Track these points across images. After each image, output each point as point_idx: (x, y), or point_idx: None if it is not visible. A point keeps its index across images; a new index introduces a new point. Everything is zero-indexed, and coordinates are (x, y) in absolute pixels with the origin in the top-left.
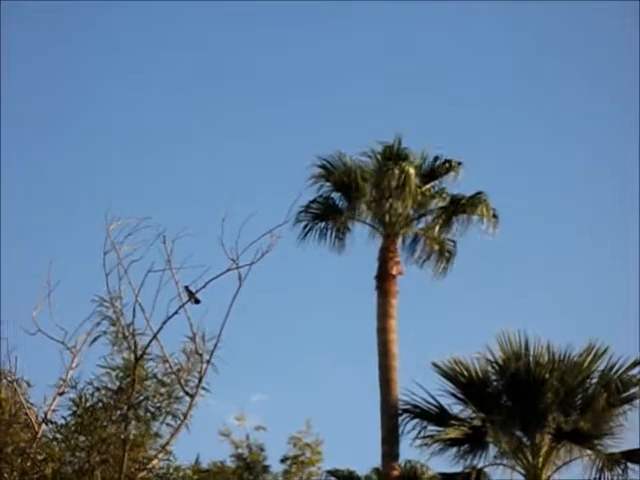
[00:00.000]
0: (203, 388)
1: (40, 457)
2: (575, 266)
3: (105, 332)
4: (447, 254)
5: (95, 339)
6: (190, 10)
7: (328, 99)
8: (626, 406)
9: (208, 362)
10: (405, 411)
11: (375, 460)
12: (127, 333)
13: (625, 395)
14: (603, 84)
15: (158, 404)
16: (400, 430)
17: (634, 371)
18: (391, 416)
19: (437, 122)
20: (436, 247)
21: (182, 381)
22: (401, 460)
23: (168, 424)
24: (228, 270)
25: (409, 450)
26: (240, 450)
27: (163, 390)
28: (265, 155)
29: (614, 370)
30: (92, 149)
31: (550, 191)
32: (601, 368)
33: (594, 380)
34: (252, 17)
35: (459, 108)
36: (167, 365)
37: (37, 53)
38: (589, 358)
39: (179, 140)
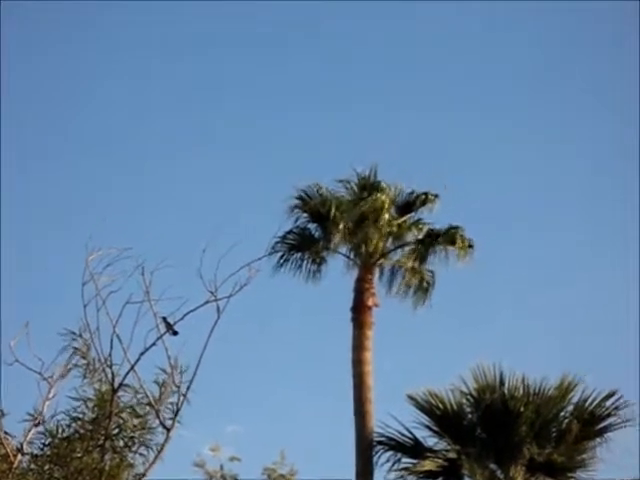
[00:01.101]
0: (178, 422)
1: None
2: (552, 297)
3: (76, 365)
4: (426, 284)
5: (68, 371)
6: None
7: (303, 129)
8: (599, 438)
9: (185, 395)
10: (380, 443)
11: None
12: (98, 365)
13: (599, 427)
14: (593, 104)
15: (131, 434)
16: (375, 462)
17: (608, 403)
18: (366, 448)
19: (414, 151)
20: (415, 279)
21: (160, 415)
22: None
23: (141, 454)
24: (207, 302)
25: None
26: None
27: (136, 421)
28: (245, 186)
29: (588, 402)
30: (71, 177)
31: (527, 219)
32: (575, 400)
33: (568, 412)
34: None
35: (437, 137)
36: (141, 396)
37: (36, 54)
38: (563, 391)
39: (160, 171)
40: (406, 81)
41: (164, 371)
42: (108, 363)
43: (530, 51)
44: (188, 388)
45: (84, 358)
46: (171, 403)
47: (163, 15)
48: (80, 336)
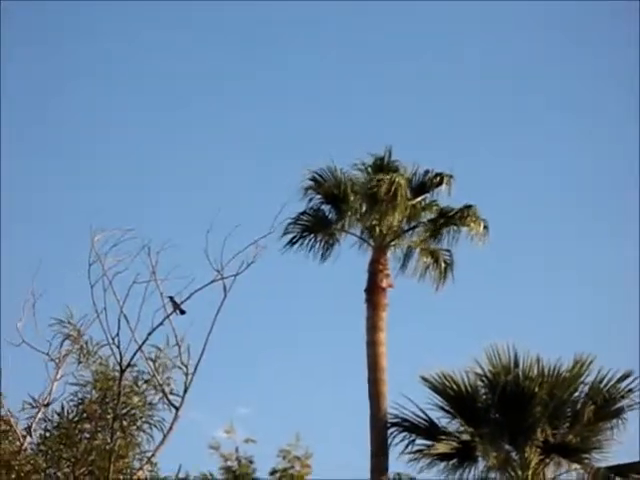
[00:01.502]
0: (174, 399)
1: (25, 469)
2: (566, 278)
3: (70, 350)
4: (444, 264)
5: (66, 356)
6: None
7: (318, 110)
8: (614, 420)
9: (193, 374)
10: (394, 424)
11: (364, 473)
12: (91, 347)
13: (614, 408)
14: (600, 92)
15: (140, 415)
16: (389, 443)
17: (623, 384)
18: (380, 429)
19: (429, 134)
20: (431, 259)
21: (166, 392)
22: (390, 473)
23: (144, 431)
24: (213, 281)
25: (398, 463)
26: (229, 463)
27: (137, 399)
28: (253, 166)
29: (603, 383)
30: (77, 159)
31: (542, 203)
32: (590, 381)
33: (583, 393)
34: (247, 28)
35: (451, 119)
36: (137, 374)
37: (36, 54)
38: (577, 371)
39: (164, 150)
40: (419, 62)
41: (158, 348)
42: (115, 343)
43: (523, 52)
44: (196, 367)
45: (76, 343)
46: (169, 378)
47: (163, 14)
48: (69, 322)
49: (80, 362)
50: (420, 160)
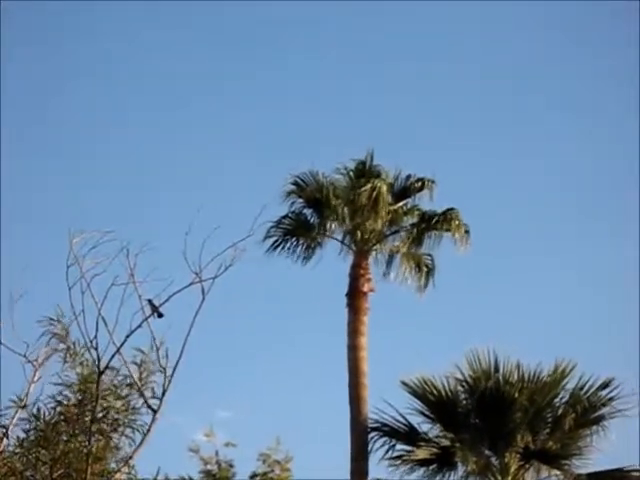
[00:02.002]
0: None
1: (2, 471)
2: (546, 283)
3: (56, 350)
4: (426, 268)
5: (49, 356)
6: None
7: (301, 115)
8: (594, 427)
9: (171, 376)
10: (374, 429)
11: (344, 477)
12: (78, 348)
13: (594, 416)
14: (600, 92)
15: (116, 416)
16: (369, 448)
17: (604, 392)
18: (360, 434)
19: (410, 139)
20: (412, 263)
21: (143, 394)
22: (370, 478)
23: (127, 436)
24: (191, 284)
25: (378, 468)
26: (209, 467)
27: (119, 403)
28: (234, 169)
29: (583, 390)
30: (56, 161)
31: (522, 207)
32: (571, 388)
33: (563, 400)
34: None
35: (432, 125)
36: (122, 377)
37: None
38: (558, 377)
39: (145, 152)
40: (401, 66)
41: (142, 351)
42: (93, 345)
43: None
44: (174, 370)
45: (63, 343)
46: (152, 381)
47: (163, 14)
48: (58, 321)
49: (66, 362)
50: (404, 163)
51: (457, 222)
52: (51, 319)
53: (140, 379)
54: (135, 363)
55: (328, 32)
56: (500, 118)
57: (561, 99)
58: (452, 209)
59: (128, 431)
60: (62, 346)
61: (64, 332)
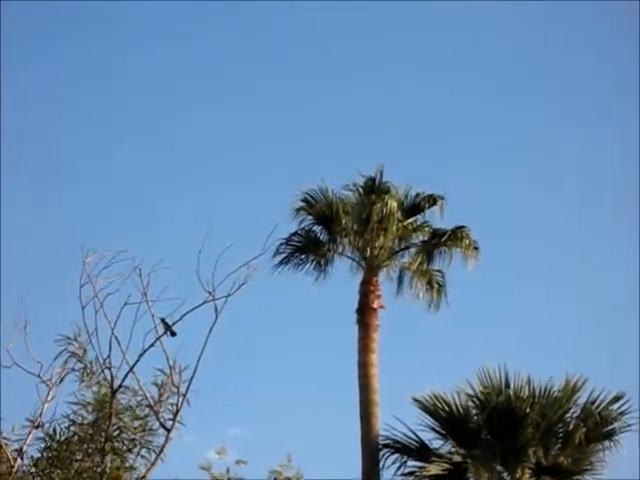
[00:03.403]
0: (179, 422)
1: None
2: (556, 299)
3: (73, 369)
4: (437, 285)
5: (65, 375)
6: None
7: (310, 131)
8: (606, 441)
9: (184, 395)
10: (385, 446)
11: None
12: (101, 365)
13: (605, 430)
14: (602, 106)
15: (132, 436)
16: (381, 465)
17: (614, 406)
18: (372, 451)
19: (419, 155)
20: (423, 280)
21: (160, 416)
22: None
23: (143, 456)
24: (204, 302)
25: None
26: None
27: (137, 423)
28: (246, 188)
29: (595, 405)
30: (69, 180)
31: (531, 224)
32: (582, 402)
33: (575, 415)
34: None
35: (442, 141)
36: (141, 398)
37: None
38: (569, 392)
39: (156, 171)
40: (410, 82)
41: (163, 372)
42: (107, 365)
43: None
44: (187, 388)
45: (80, 362)
46: (171, 404)
47: (161, 15)
48: (75, 340)
49: (83, 381)
50: (414, 179)
51: (467, 240)
52: (68, 338)
53: (160, 400)
54: (155, 384)
55: (337, 46)
56: (511, 134)
57: (561, 115)
58: (462, 227)
59: (144, 451)
60: (79, 365)
61: (81, 351)
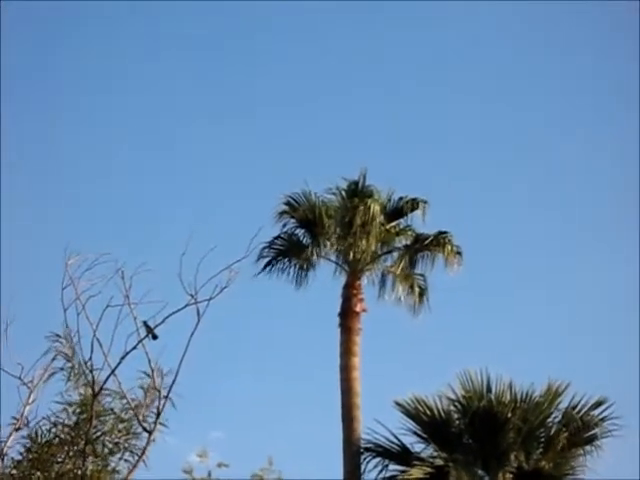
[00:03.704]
0: (161, 424)
1: None
2: (538, 304)
3: (62, 368)
4: (419, 289)
5: (51, 375)
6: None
7: (293, 135)
8: (588, 446)
9: (166, 398)
10: (367, 449)
11: None
12: (84, 368)
13: (587, 435)
14: (593, 107)
15: (116, 440)
16: (362, 468)
17: (596, 411)
18: (353, 454)
19: (402, 159)
20: (405, 284)
21: (140, 417)
22: None
23: (126, 460)
24: (187, 305)
25: None
26: None
27: (121, 426)
28: (227, 190)
29: (576, 410)
30: (50, 182)
31: (514, 229)
32: (563, 407)
33: (556, 419)
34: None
35: (424, 145)
36: (125, 401)
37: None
38: (551, 397)
39: (139, 174)
40: (392, 87)
41: (147, 374)
42: (89, 367)
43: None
44: (169, 391)
45: (69, 361)
46: (155, 407)
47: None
48: (65, 339)
49: (69, 380)
50: (397, 183)
51: (450, 246)
52: (58, 335)
53: (145, 403)
54: (142, 387)
55: (321, 52)
56: (494, 138)
57: (559, 114)
58: (445, 232)
59: (127, 455)
60: (67, 365)
61: (70, 350)
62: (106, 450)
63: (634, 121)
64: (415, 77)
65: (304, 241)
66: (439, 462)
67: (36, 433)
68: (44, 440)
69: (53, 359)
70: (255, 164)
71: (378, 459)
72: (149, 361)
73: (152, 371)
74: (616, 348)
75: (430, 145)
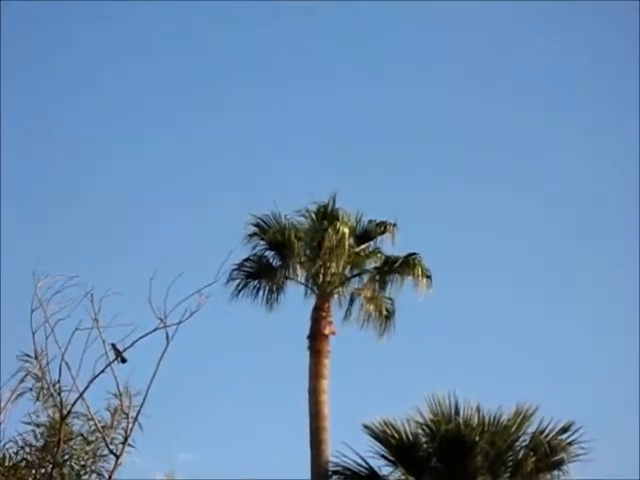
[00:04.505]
0: (129, 445)
1: None
2: (506, 327)
3: (30, 389)
4: (386, 312)
5: (20, 395)
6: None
7: (263, 158)
8: (555, 471)
9: (134, 421)
10: (335, 472)
11: None
12: (52, 390)
13: (554, 459)
14: (593, 107)
15: (83, 462)
16: None
17: (564, 435)
18: (322, 477)
19: (372, 182)
20: (374, 307)
21: (107, 439)
22: None
23: None
24: (156, 329)
25: None
26: None
27: (88, 448)
28: (197, 213)
29: (544, 434)
30: (21, 206)
31: (483, 251)
32: (531, 431)
33: (524, 443)
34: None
35: (394, 168)
36: (92, 423)
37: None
38: (519, 421)
39: (109, 199)
40: (364, 110)
41: (116, 395)
42: (57, 390)
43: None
44: (137, 414)
45: (39, 382)
46: (122, 429)
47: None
48: (36, 359)
49: (38, 400)
50: (366, 206)
51: (419, 268)
52: (28, 355)
53: (111, 425)
54: (108, 410)
55: (297, 70)
56: (510, 134)
57: (569, 113)
58: (414, 254)
59: (94, 477)
60: (37, 385)
61: (41, 372)
62: (73, 473)
63: (634, 121)
64: (385, 96)
65: (274, 263)
66: None
67: (3, 455)
68: (11, 463)
69: (21, 381)
70: (224, 186)
71: None
72: (117, 384)
73: (120, 394)
74: (585, 370)
75: (401, 166)
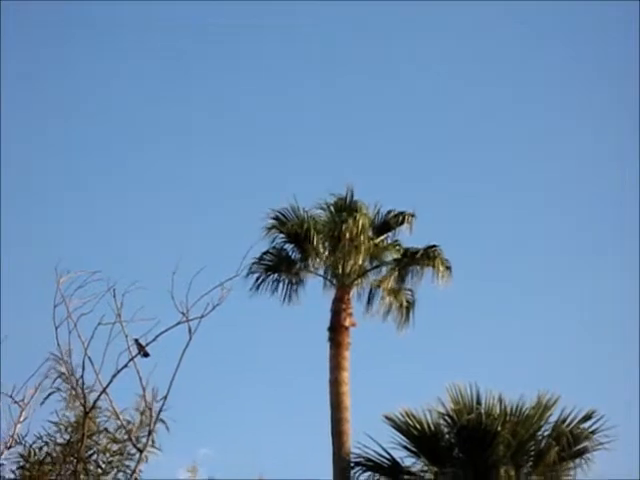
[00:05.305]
0: (153, 445)
1: None
2: (528, 316)
3: (59, 389)
4: (406, 304)
5: (48, 395)
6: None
7: (281, 151)
8: (578, 460)
9: (157, 416)
10: (357, 464)
11: None
12: (79, 389)
13: (577, 449)
14: (593, 107)
15: (109, 459)
16: None
17: (586, 424)
18: (343, 469)
19: (390, 173)
20: (393, 298)
21: (133, 437)
22: None
23: (118, 479)
24: (178, 323)
25: None
26: None
27: (115, 447)
28: (217, 207)
29: (566, 423)
30: (43, 200)
31: (504, 242)
32: (553, 421)
33: (546, 433)
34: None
35: (412, 158)
36: (118, 421)
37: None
38: (540, 411)
39: (129, 191)
40: (378, 101)
41: (140, 395)
42: (80, 385)
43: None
44: (160, 409)
45: (67, 383)
46: (147, 425)
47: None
48: (64, 361)
49: (66, 400)
50: (384, 198)
51: (439, 260)
52: (57, 357)
53: (141, 424)
54: (137, 409)
55: (311, 69)
56: (510, 134)
57: (568, 113)
58: (434, 246)
59: (120, 474)
60: (66, 385)
61: (68, 372)
62: (99, 470)
63: (634, 121)
64: (402, 87)
65: (293, 256)
66: (429, 476)
67: (29, 452)
68: (36, 458)
69: (46, 377)
70: (243, 179)
71: (368, 473)
72: (140, 379)
73: (143, 389)
74: (607, 360)
75: (418, 157)
